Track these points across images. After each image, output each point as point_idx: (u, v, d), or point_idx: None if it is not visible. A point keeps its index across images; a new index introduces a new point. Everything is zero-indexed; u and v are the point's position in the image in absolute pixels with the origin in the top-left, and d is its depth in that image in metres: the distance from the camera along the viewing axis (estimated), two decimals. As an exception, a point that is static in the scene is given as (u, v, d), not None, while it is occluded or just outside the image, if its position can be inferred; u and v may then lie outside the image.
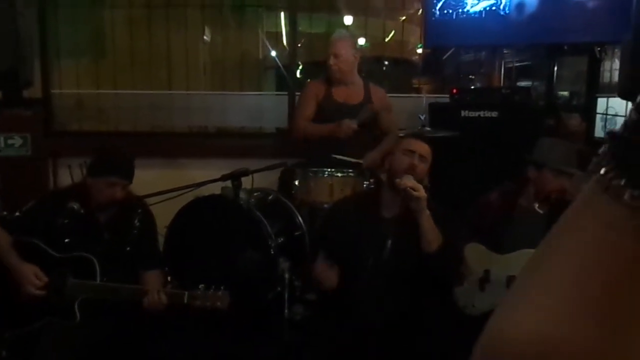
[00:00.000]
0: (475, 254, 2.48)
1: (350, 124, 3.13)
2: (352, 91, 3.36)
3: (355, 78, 3.39)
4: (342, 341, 2.25)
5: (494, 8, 3.30)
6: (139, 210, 2.48)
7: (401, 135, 3.06)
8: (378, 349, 2.23)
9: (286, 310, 2.49)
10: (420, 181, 2.33)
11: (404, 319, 2.30)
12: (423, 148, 2.40)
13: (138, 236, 2.46)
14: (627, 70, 2.31)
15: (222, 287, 2.23)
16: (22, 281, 2.22)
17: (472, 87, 4.09)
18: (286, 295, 2.49)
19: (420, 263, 2.29)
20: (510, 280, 2.36)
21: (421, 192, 2.22)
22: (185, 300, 2.21)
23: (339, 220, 2.49)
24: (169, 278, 2.69)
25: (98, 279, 2.27)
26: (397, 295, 2.31)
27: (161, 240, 2.80)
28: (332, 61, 3.30)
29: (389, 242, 2.33)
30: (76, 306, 2.25)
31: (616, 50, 3.29)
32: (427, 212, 2.25)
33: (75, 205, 2.31)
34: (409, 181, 2.23)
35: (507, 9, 3.27)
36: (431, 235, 2.24)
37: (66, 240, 2.33)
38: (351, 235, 2.38)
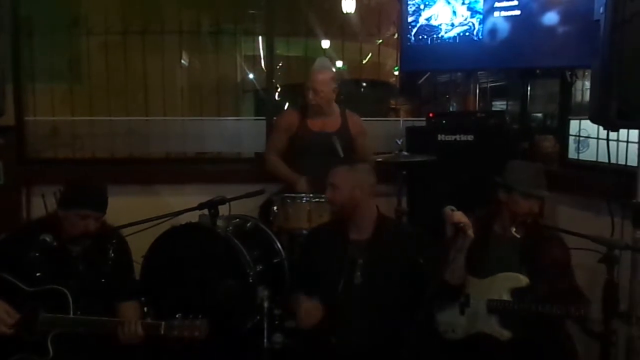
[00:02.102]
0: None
1: (305, 186, 3.14)
2: (328, 120, 3.36)
3: (333, 107, 3.40)
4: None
5: (467, 34, 3.36)
6: (114, 241, 2.44)
7: (378, 159, 3.08)
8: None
9: (265, 340, 2.45)
10: (339, 207, 2.37)
11: (381, 344, 2.28)
12: (332, 176, 2.40)
13: (113, 267, 2.41)
14: (597, 96, 2.36)
15: (199, 316, 2.18)
16: None
17: (449, 111, 4.14)
18: (265, 324, 2.46)
19: (394, 287, 2.28)
20: (489, 304, 2.37)
21: (471, 231, 2.17)
22: (162, 331, 2.16)
23: (311, 248, 2.51)
24: (145, 309, 2.64)
25: (71, 312, 2.21)
26: (373, 320, 2.30)
27: (138, 269, 2.75)
28: (311, 96, 3.28)
29: (359, 265, 2.32)
30: (49, 341, 2.19)
31: (586, 73, 3.37)
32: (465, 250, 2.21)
33: (48, 238, 2.25)
34: (463, 217, 2.17)
35: (480, 34, 3.33)
36: (461, 271, 2.23)
37: (38, 274, 2.28)
38: (321, 261, 2.38)
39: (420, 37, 3.49)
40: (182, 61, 4.38)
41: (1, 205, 3.36)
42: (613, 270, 2.03)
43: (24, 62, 3.85)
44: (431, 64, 3.62)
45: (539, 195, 2.46)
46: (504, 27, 3.26)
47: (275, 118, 3.75)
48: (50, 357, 2.18)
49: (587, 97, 3.46)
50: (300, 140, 3.37)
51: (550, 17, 3.13)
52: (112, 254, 2.41)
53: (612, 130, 2.46)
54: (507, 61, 3.34)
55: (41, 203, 3.26)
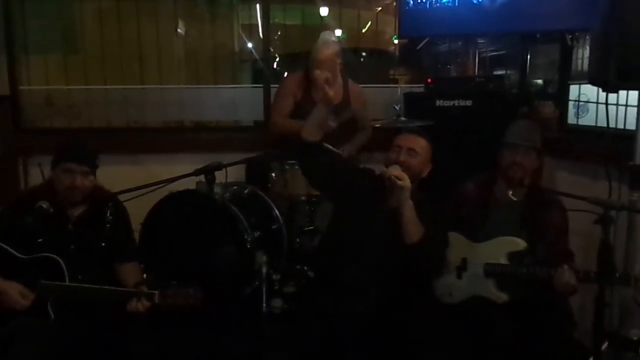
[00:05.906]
0: (453, 243, 2.49)
1: (329, 124, 3.08)
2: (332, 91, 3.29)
3: (336, 79, 3.34)
4: (320, 334, 2.24)
5: (467, -3, 3.31)
6: (110, 204, 2.45)
7: (376, 125, 3.05)
8: (355, 341, 2.22)
9: (265, 304, 2.47)
10: (414, 174, 2.32)
11: (383, 309, 2.29)
12: (412, 142, 2.39)
13: (111, 230, 2.42)
14: (597, 58, 2.33)
15: (193, 284, 2.18)
16: (7, 301, 2.18)
17: (447, 77, 4.10)
18: (264, 289, 2.48)
19: (400, 253, 2.28)
20: (486, 268, 2.38)
21: (406, 182, 2.20)
22: (157, 300, 2.18)
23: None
24: (144, 275, 2.66)
25: (67, 278, 2.22)
26: (377, 286, 2.31)
27: (136, 236, 2.76)
28: (316, 74, 3.21)
29: (382, 232, 2.31)
30: (49, 305, 2.21)
31: (587, 38, 3.32)
32: (410, 202, 2.23)
33: (44, 204, 2.26)
34: (394, 170, 2.22)
35: (479, -3, 3.28)
36: (412, 226, 2.23)
37: (39, 240, 2.28)
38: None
39: (419, 1, 3.43)
40: (178, 29, 4.31)
41: (-1, 175, 3.36)
42: (609, 231, 2.02)
43: (16, 31, 3.79)
44: (430, 29, 3.57)
45: (521, 145, 2.44)
46: (503, -10, 3.21)
47: (278, 85, 3.69)
48: (52, 320, 2.20)
49: (586, 65, 3.41)
50: (303, 109, 3.31)
51: (551, -21, 3.08)
52: (110, 217, 2.42)
53: (612, 92, 2.43)
54: (507, 25, 3.28)
55: (38, 172, 3.25)
